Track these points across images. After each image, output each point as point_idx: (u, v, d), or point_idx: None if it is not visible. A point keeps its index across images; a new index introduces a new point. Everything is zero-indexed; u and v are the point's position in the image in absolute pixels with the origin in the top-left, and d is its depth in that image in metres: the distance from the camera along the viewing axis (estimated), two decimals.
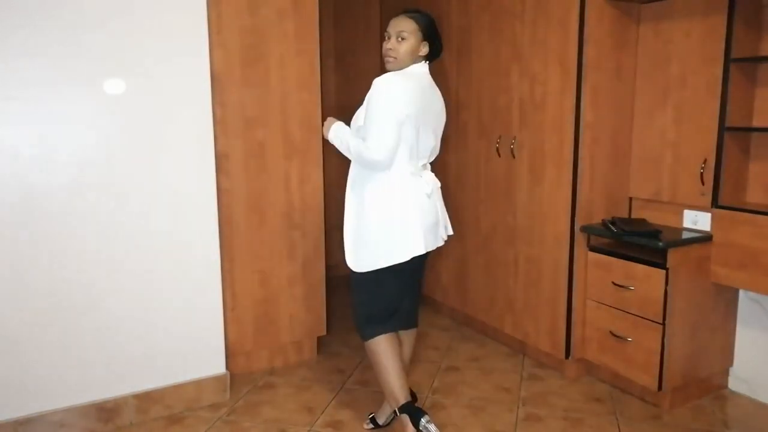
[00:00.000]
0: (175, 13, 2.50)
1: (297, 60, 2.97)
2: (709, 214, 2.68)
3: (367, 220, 2.24)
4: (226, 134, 2.82)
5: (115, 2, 2.37)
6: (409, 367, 2.68)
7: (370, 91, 2.19)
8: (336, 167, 4.59)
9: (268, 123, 2.94)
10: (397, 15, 2.28)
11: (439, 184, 2.36)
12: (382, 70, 2.56)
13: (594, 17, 2.74)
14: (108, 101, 2.41)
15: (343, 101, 4.52)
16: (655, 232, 2.65)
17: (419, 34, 2.25)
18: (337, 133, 2.31)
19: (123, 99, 2.44)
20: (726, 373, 2.89)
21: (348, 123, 2.34)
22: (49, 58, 2.28)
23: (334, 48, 4.57)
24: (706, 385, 2.83)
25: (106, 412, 2.53)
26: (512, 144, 3.15)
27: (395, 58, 2.23)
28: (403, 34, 2.22)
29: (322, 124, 2.47)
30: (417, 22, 2.25)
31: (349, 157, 2.29)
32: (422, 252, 2.24)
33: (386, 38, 2.27)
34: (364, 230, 2.25)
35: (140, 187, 2.51)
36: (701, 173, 2.65)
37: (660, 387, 2.62)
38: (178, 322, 2.65)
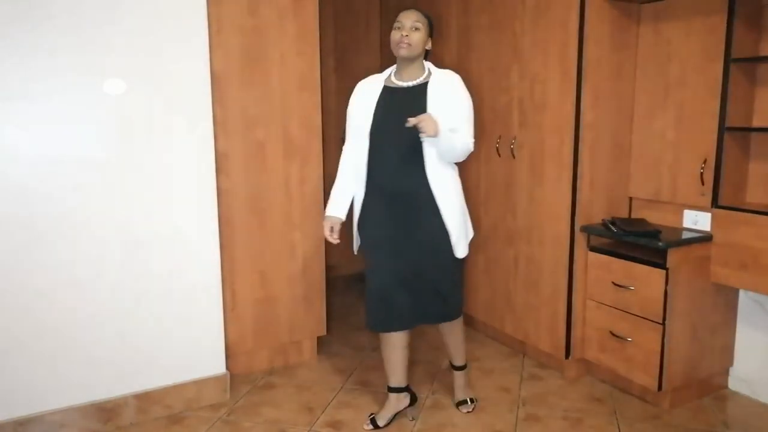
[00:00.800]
0: (175, 14, 2.50)
1: (297, 60, 2.97)
2: (709, 214, 2.68)
3: (460, 207, 2.46)
4: (226, 134, 2.82)
5: (114, 3, 2.37)
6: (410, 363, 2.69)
7: (456, 88, 2.37)
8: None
9: (268, 123, 2.94)
10: (407, 8, 2.39)
11: None
12: (383, 68, 2.57)
13: (594, 17, 2.74)
14: (108, 101, 2.41)
15: (343, 101, 4.49)
16: (654, 232, 2.65)
17: (428, 29, 2.39)
18: (450, 133, 2.26)
19: (123, 99, 2.43)
20: (726, 373, 2.89)
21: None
22: (49, 59, 2.28)
23: (334, 48, 4.56)
24: (706, 385, 2.83)
25: (106, 412, 2.53)
26: (512, 144, 3.15)
27: (409, 44, 2.33)
28: (417, 25, 2.35)
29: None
30: (426, 17, 2.39)
31: (453, 154, 2.33)
32: None
33: (396, 28, 2.36)
34: (462, 217, 2.47)
35: (140, 187, 2.51)
36: (701, 173, 2.65)
37: (660, 387, 2.62)
38: (178, 322, 2.65)
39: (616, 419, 2.63)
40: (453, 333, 2.65)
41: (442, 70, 2.42)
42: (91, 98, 2.37)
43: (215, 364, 2.78)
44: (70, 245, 2.40)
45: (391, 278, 2.42)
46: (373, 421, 2.56)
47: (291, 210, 3.05)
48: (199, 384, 2.73)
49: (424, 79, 2.39)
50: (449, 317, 2.57)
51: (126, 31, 2.40)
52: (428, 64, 2.43)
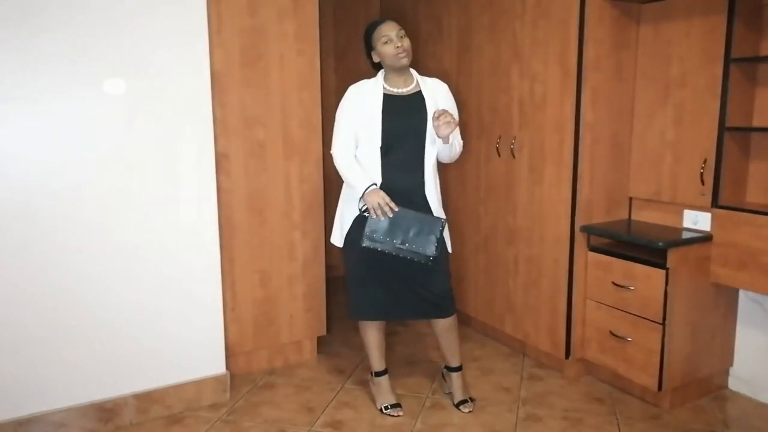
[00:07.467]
0: (175, 13, 2.50)
1: (297, 60, 2.97)
2: (709, 214, 2.68)
3: (441, 206, 2.64)
4: (226, 134, 2.82)
5: (114, 3, 2.37)
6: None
7: (449, 95, 2.57)
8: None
9: (268, 123, 2.94)
10: (383, 22, 2.50)
11: None
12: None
13: (594, 17, 2.74)
14: (108, 101, 2.41)
15: None
16: None
17: None
18: (457, 130, 2.54)
19: (123, 99, 2.43)
20: (726, 373, 2.89)
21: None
22: (49, 59, 2.28)
23: (334, 48, 4.56)
24: (706, 385, 2.83)
25: (106, 412, 2.53)
26: (512, 144, 3.15)
27: (406, 52, 2.46)
28: (402, 33, 2.47)
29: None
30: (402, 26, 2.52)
31: (453, 152, 2.56)
32: None
33: (386, 42, 2.45)
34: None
35: (140, 187, 2.51)
36: (701, 173, 2.65)
37: (660, 387, 2.62)
38: (178, 322, 2.65)
39: (616, 419, 2.63)
40: (449, 331, 2.68)
41: (428, 78, 2.59)
42: (91, 98, 2.37)
43: (215, 364, 2.78)
44: (69, 246, 2.39)
45: (384, 275, 2.53)
46: (392, 408, 2.66)
47: (291, 210, 3.05)
48: (199, 384, 2.73)
49: (416, 86, 2.55)
50: (445, 311, 2.61)
51: (126, 32, 2.40)
52: (413, 72, 2.57)
